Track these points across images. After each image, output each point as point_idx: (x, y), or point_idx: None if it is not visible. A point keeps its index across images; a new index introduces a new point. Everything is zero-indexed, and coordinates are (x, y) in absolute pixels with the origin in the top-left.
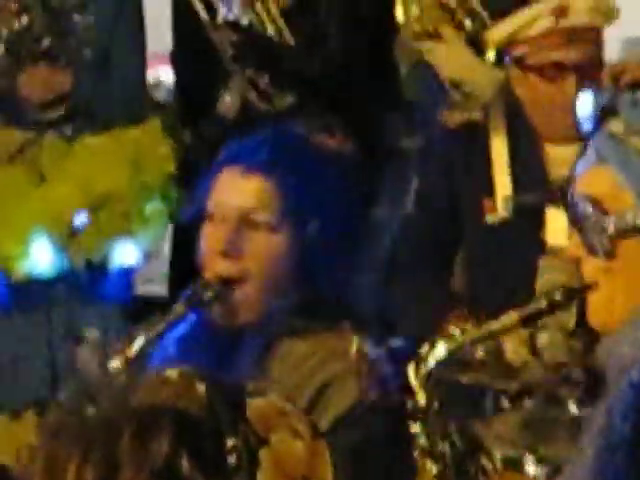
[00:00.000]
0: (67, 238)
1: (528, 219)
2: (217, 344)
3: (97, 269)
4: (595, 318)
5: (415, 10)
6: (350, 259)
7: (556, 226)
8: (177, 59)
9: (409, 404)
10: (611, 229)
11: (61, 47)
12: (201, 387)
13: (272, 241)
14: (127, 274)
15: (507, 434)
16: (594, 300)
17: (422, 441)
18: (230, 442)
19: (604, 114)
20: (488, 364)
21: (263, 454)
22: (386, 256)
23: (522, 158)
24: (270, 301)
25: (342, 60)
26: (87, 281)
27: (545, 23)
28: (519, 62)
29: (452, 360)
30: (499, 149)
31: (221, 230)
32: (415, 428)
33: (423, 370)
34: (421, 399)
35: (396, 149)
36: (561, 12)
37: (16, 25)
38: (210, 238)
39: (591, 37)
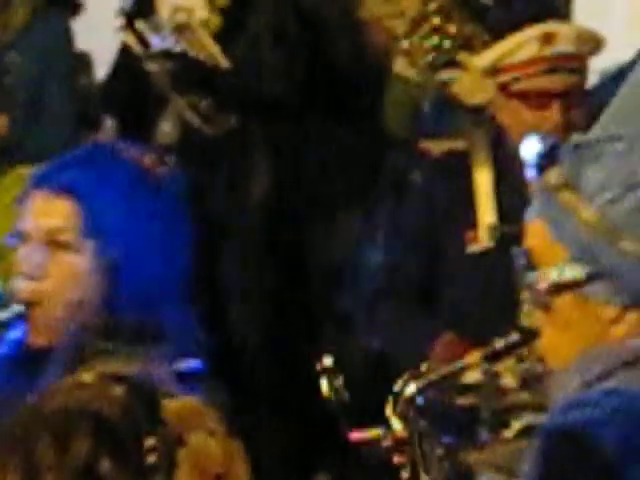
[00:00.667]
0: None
1: (512, 247)
2: (29, 364)
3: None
4: (547, 360)
5: (431, 41)
6: (161, 282)
7: None
8: (109, 91)
9: (389, 438)
10: (539, 284)
11: None
12: (118, 389)
13: (74, 262)
14: None
15: (497, 461)
16: (543, 344)
17: (405, 474)
18: (149, 442)
19: (547, 161)
20: (483, 387)
21: (181, 454)
22: (372, 286)
23: (504, 185)
24: (72, 322)
25: (282, 82)
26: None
27: (530, 50)
28: (503, 89)
29: (450, 384)
30: (483, 178)
31: (27, 252)
32: (399, 459)
33: (400, 405)
34: (401, 432)
35: (397, 181)
36: (547, 39)
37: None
38: (19, 259)
39: (576, 65)
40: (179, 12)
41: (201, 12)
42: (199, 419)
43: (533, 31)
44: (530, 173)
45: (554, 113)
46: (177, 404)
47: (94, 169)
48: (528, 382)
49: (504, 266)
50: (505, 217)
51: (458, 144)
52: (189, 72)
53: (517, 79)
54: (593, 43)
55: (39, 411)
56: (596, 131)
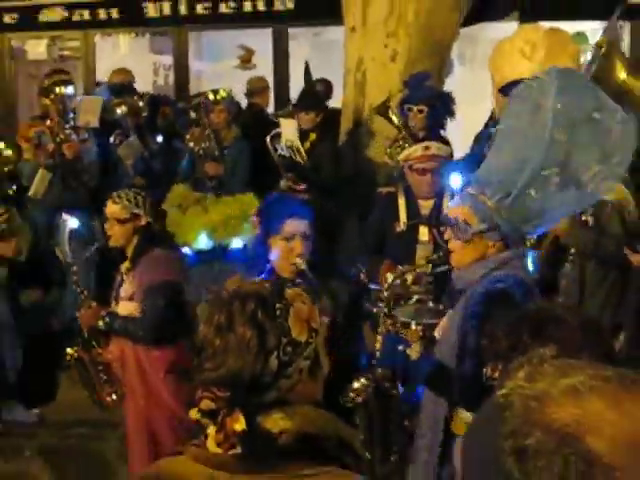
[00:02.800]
0: (221, 234)
1: (413, 230)
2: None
3: (225, 248)
4: (455, 264)
5: (390, 152)
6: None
7: (424, 233)
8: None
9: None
10: (470, 232)
11: (220, 156)
12: (268, 285)
13: (311, 245)
14: (243, 250)
15: (405, 313)
16: (454, 258)
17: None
18: (278, 306)
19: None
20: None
21: (290, 311)
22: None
23: (410, 205)
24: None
25: (334, 176)
26: (223, 252)
27: (420, 152)
28: (410, 167)
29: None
30: (402, 202)
31: (296, 245)
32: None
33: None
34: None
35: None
36: (427, 148)
37: (203, 145)
38: (288, 249)
39: (440, 159)
40: (287, 141)
41: (297, 141)
42: (299, 297)
43: (420, 145)
44: (456, 192)
45: (428, 178)
46: (290, 291)
47: (308, 209)
48: (419, 280)
49: (410, 238)
50: (410, 217)
51: (392, 189)
52: (291, 165)
53: (415, 163)
54: (448, 151)
55: (238, 289)
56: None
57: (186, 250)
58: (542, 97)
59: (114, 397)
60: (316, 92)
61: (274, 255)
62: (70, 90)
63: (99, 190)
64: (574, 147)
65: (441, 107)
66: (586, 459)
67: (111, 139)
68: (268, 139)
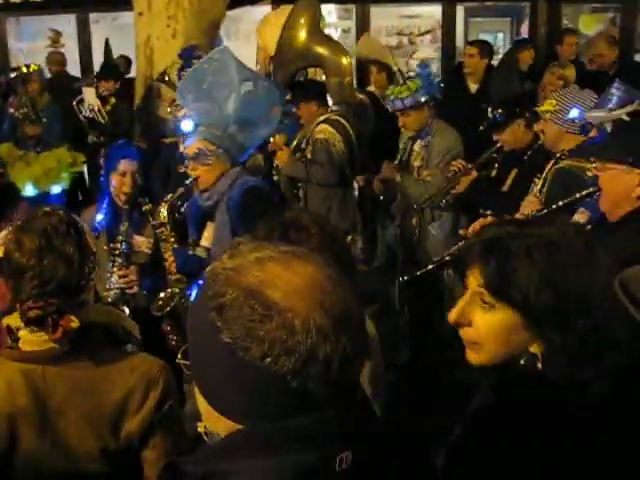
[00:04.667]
0: (43, 184)
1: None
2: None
3: (46, 194)
4: (204, 185)
5: (171, 110)
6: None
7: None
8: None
9: None
10: (212, 155)
11: (37, 119)
12: (60, 210)
13: (139, 179)
14: (59, 195)
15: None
16: (202, 181)
17: None
18: (80, 225)
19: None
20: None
21: (85, 228)
22: None
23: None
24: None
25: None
26: (46, 197)
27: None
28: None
29: None
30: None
31: (127, 180)
32: None
33: None
34: None
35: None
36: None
37: (22, 111)
38: (122, 182)
39: None
40: (90, 105)
41: (97, 104)
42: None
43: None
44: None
45: None
46: (74, 216)
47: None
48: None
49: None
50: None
51: (175, 139)
52: (94, 124)
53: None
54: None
55: (41, 219)
56: None
57: None
58: (226, 69)
59: None
60: (115, 64)
61: (112, 187)
62: None
63: None
64: (239, 104)
65: None
66: (265, 305)
67: None
68: (75, 104)
